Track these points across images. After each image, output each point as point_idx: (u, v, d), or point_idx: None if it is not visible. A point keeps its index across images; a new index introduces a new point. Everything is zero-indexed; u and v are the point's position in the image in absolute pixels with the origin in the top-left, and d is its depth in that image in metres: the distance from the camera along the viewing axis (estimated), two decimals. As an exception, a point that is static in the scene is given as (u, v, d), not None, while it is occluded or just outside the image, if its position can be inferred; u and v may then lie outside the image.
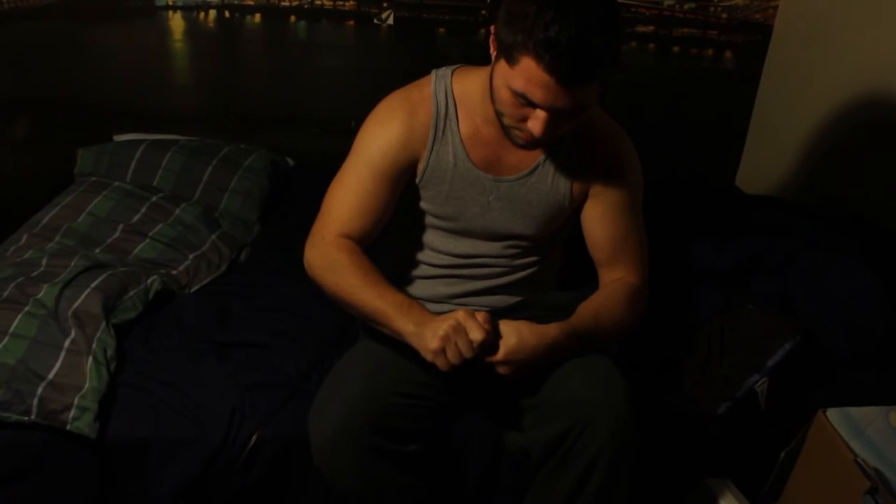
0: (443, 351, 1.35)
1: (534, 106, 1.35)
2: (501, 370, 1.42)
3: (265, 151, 2.52)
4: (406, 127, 1.53)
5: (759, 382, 1.74)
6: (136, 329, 1.83)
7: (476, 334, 1.35)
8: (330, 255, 1.50)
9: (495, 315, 1.57)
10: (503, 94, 1.37)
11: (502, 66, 1.34)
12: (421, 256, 1.67)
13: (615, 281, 1.62)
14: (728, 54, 2.74)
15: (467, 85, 1.55)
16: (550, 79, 1.29)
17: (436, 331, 1.36)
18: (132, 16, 2.52)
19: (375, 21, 2.61)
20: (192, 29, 2.57)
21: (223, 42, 2.61)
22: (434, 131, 1.54)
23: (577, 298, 1.60)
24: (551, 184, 1.59)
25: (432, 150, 1.55)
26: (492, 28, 1.38)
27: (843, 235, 2.04)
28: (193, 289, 2.04)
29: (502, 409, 1.59)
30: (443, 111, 1.54)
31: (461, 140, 1.55)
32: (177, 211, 2.20)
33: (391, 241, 1.69)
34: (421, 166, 1.56)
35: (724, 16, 2.68)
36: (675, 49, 2.71)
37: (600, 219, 1.62)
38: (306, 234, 2.27)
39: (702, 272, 1.96)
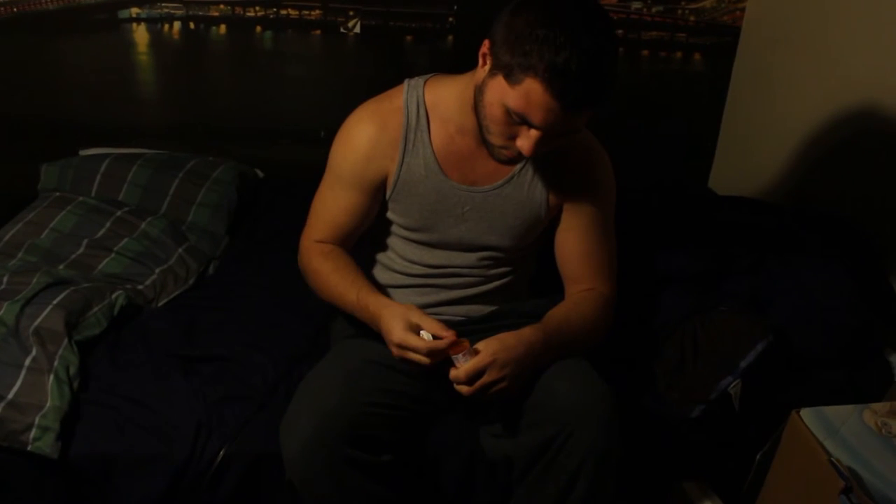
0: (402, 348, 1.41)
1: (528, 126, 1.34)
2: (495, 381, 1.42)
3: (233, 163, 2.48)
4: (374, 140, 1.53)
5: (733, 384, 1.73)
6: (101, 345, 1.80)
7: (419, 355, 1.40)
8: (309, 262, 1.61)
9: (470, 324, 1.61)
10: (495, 111, 1.36)
11: (499, 83, 1.33)
12: (393, 266, 1.66)
13: (584, 290, 1.61)
14: (697, 56, 2.74)
15: (441, 94, 1.53)
16: (556, 104, 1.28)
17: (390, 342, 1.43)
18: (96, 29, 2.48)
19: (342, 30, 2.58)
20: (157, 41, 2.53)
21: (189, 54, 2.57)
22: (404, 143, 1.53)
23: (549, 306, 1.59)
24: (527, 193, 1.58)
25: (402, 162, 1.53)
26: (485, 42, 1.36)
27: (813, 233, 2.03)
28: (161, 303, 2.01)
29: (482, 417, 1.57)
30: (413, 121, 1.53)
31: (433, 151, 1.53)
32: (142, 225, 2.16)
33: (364, 249, 1.70)
34: (391, 179, 1.55)
35: (692, 18, 2.67)
36: (645, 53, 2.71)
37: (572, 232, 1.61)
38: (276, 247, 2.30)
39: (673, 275, 1.95)
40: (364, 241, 1.67)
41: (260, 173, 2.63)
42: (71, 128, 2.59)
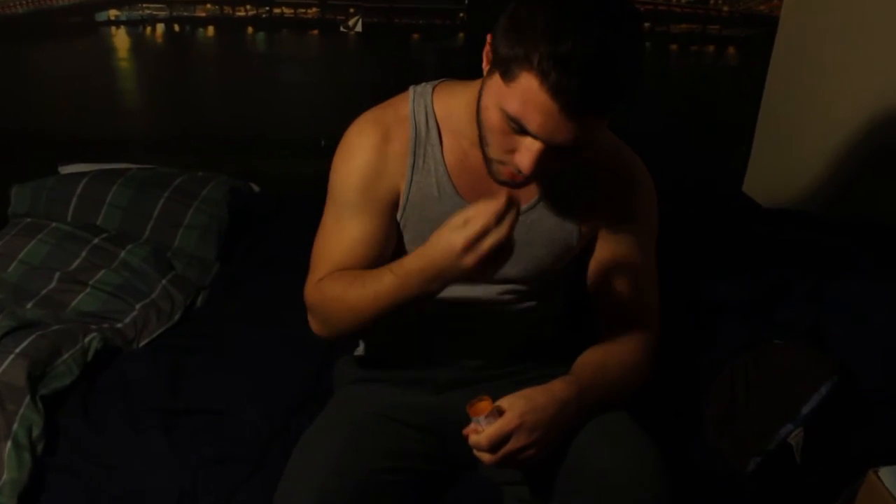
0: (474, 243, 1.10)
1: (527, 135, 1.12)
2: (523, 448, 1.21)
3: (225, 178, 2.28)
4: (379, 153, 1.31)
5: (794, 433, 1.51)
6: (72, 398, 1.60)
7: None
8: (319, 296, 1.31)
9: (490, 368, 1.45)
10: (492, 117, 1.14)
11: (496, 82, 1.12)
12: None
13: (622, 332, 1.41)
14: (731, 50, 2.57)
15: (452, 103, 1.32)
16: (553, 104, 1.06)
17: (457, 257, 1.11)
18: (71, 34, 2.29)
19: (342, 29, 2.39)
20: (139, 45, 2.34)
21: (174, 59, 2.39)
22: (413, 158, 1.31)
23: (580, 346, 1.41)
24: (557, 219, 1.37)
25: (412, 180, 1.32)
26: (488, 38, 1.15)
27: (879, 254, 1.80)
28: (142, 343, 1.82)
29: (506, 476, 1.37)
30: (423, 134, 1.32)
31: (446, 168, 1.32)
32: (122, 254, 1.95)
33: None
34: (401, 201, 1.33)
35: (726, 9, 2.51)
36: (674, 47, 2.53)
37: (608, 263, 1.41)
38: (272, 271, 2.09)
39: (719, 303, 1.73)
40: None
41: (255, 188, 2.45)
42: (48, 143, 2.41)
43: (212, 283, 2.04)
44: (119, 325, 1.81)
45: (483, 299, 1.41)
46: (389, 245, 1.34)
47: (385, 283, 1.21)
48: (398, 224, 1.35)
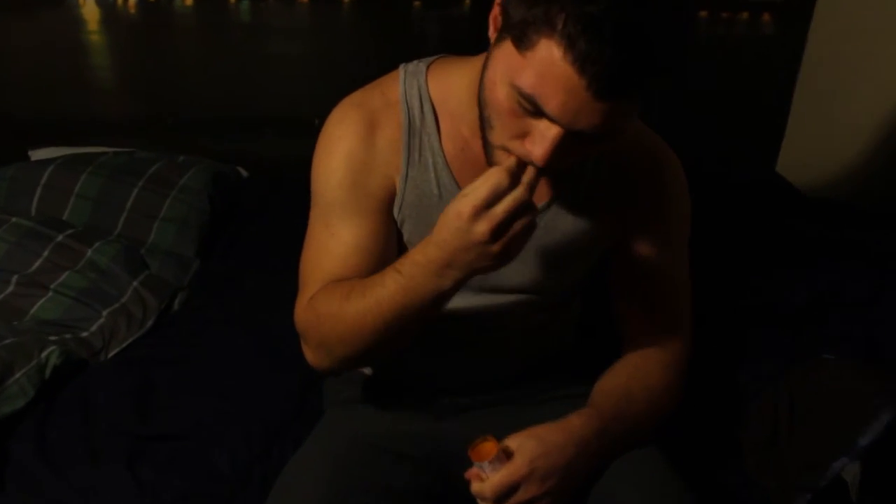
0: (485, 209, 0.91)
1: (542, 116, 0.91)
2: (534, 499, 1.05)
3: (208, 164, 2.10)
4: (365, 143, 1.11)
5: (849, 468, 1.31)
6: (27, 422, 1.44)
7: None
8: (312, 314, 1.09)
9: (498, 388, 1.29)
10: (499, 94, 0.93)
11: (506, 51, 0.91)
12: None
13: (649, 349, 1.22)
14: (766, 17, 2.39)
15: (450, 83, 1.12)
16: (579, 79, 0.85)
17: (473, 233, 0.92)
18: (35, 6, 2.11)
19: None
20: (110, 17, 2.16)
21: (149, 31, 2.21)
22: (407, 150, 1.12)
23: (600, 362, 1.24)
24: (575, 221, 1.18)
25: (407, 176, 1.13)
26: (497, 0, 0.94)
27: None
28: (111, 353, 1.64)
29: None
30: (417, 121, 1.12)
31: (445, 161, 1.13)
32: (89, 252, 1.76)
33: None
34: (397, 198, 1.15)
35: None
36: (703, 14, 2.32)
37: (633, 270, 1.22)
38: (259, 266, 1.89)
39: (759, 309, 1.53)
40: None
41: (243, 172, 2.28)
42: (16, 126, 2.24)
43: (190, 282, 1.86)
44: (84, 335, 1.64)
45: (491, 310, 1.23)
46: (390, 248, 1.14)
47: (388, 287, 1.00)
48: (396, 223, 1.16)
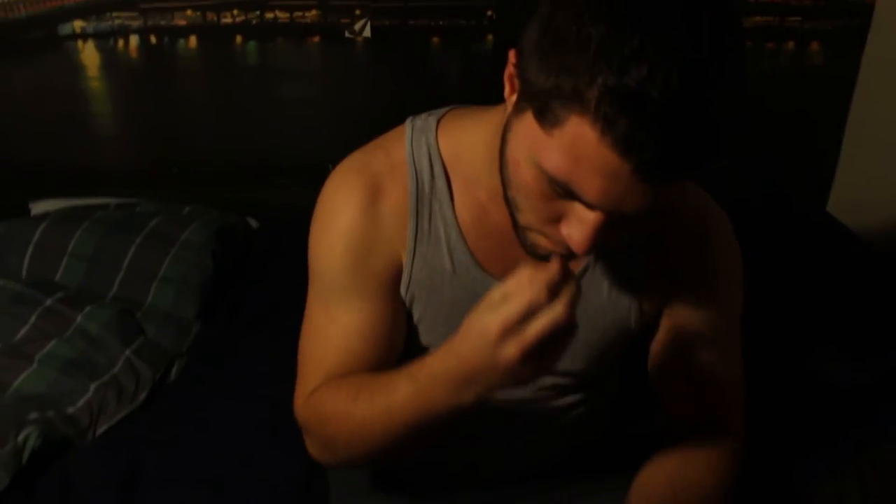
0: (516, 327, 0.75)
1: (579, 201, 0.76)
2: None
3: (213, 216, 1.97)
4: (367, 215, 0.96)
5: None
6: (-1, 516, 1.29)
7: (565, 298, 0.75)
8: (315, 411, 0.98)
9: (522, 482, 1.15)
10: (524, 176, 0.78)
11: (528, 125, 0.75)
12: None
13: (697, 440, 1.05)
14: (815, 46, 2.22)
15: (463, 141, 0.97)
16: (621, 163, 0.69)
17: (486, 333, 0.76)
18: (33, 51, 2.01)
19: (347, 34, 2.06)
20: (111, 62, 2.04)
21: (152, 75, 2.09)
22: (415, 221, 0.97)
23: (643, 449, 1.07)
24: (609, 295, 1.02)
25: (415, 251, 0.98)
26: (511, 56, 0.79)
27: None
28: (99, 430, 1.49)
29: None
30: (426, 186, 0.97)
31: (460, 232, 0.97)
32: (78, 318, 1.63)
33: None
34: (404, 276, 1.00)
35: None
36: (747, 44, 2.09)
37: (677, 349, 1.04)
38: (264, 330, 1.74)
39: (823, 385, 1.34)
40: None
41: (253, 223, 2.14)
42: (16, 176, 2.12)
43: (190, 348, 1.71)
44: (70, 411, 1.49)
45: (512, 400, 1.06)
46: (397, 331, 1.00)
47: (401, 393, 0.86)
48: (405, 304, 1.01)
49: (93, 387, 1.53)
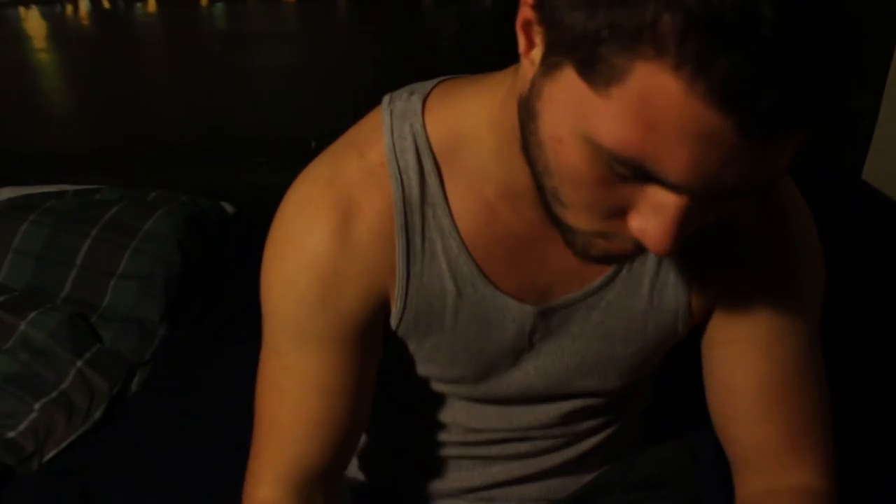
0: None
1: (652, 182, 0.55)
2: None
3: (181, 202, 1.76)
4: (338, 241, 0.76)
5: None
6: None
7: None
8: None
9: None
10: (569, 157, 0.57)
11: (568, 87, 0.55)
12: (415, 430, 0.96)
13: (774, 487, 0.84)
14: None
15: (460, 122, 0.75)
16: (725, 120, 0.49)
17: None
18: None
19: None
20: (59, 31, 1.80)
21: (108, 45, 1.85)
22: (404, 238, 0.76)
23: (679, 458, 1.01)
24: (651, 296, 0.82)
25: (408, 275, 0.77)
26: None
27: None
28: (46, 457, 1.29)
29: None
30: (415, 190, 0.75)
31: (461, 241, 0.77)
32: (21, 326, 1.41)
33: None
34: (395, 307, 0.80)
35: None
36: None
37: (743, 362, 0.83)
38: (239, 332, 1.54)
39: None
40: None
41: (229, 208, 1.92)
42: None
43: (154, 355, 1.49)
44: (10, 435, 1.29)
45: (533, 426, 0.91)
46: (370, 381, 0.82)
47: None
48: (392, 337, 0.82)
49: (38, 406, 1.32)
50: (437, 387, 0.89)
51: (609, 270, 0.79)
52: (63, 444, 1.30)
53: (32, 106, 1.88)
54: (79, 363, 1.38)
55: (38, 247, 1.56)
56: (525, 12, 0.56)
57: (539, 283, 0.79)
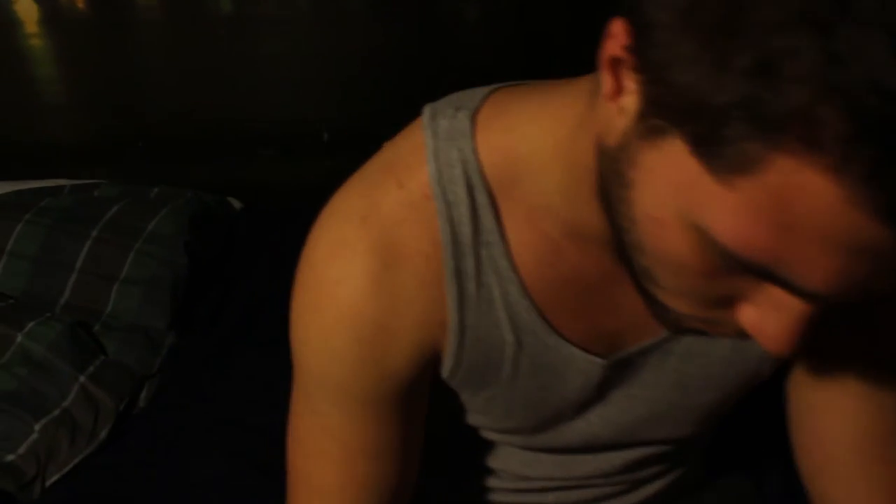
0: None
1: (779, 284, 0.45)
2: None
3: (187, 199, 1.66)
4: (382, 289, 0.65)
5: None
6: None
7: None
8: None
9: None
10: (672, 243, 0.47)
11: (675, 162, 0.44)
12: (462, 475, 0.86)
13: None
14: None
15: (519, 146, 0.64)
16: (884, 232, 0.39)
17: None
18: None
19: None
20: (54, 16, 1.72)
21: (106, 30, 1.77)
22: (456, 282, 0.65)
23: (743, 492, 0.95)
24: (735, 342, 0.71)
25: (461, 326, 0.66)
26: (616, 26, 0.46)
27: None
28: (49, 481, 1.19)
29: None
30: (466, 227, 0.64)
31: (521, 284, 0.66)
32: (19, 338, 1.31)
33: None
34: (446, 361, 0.69)
35: None
36: None
37: (839, 412, 0.72)
38: (256, 340, 1.44)
39: None
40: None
41: (236, 204, 1.82)
42: None
43: (162, 367, 1.39)
44: (10, 458, 1.19)
45: (594, 475, 0.82)
46: (416, 439, 0.73)
47: None
48: (441, 387, 0.72)
49: (38, 426, 1.22)
50: (489, 435, 0.80)
51: None
52: (67, 468, 1.21)
53: (25, 95, 1.79)
54: (81, 378, 1.28)
55: (34, 249, 1.45)
56: (613, 48, 0.45)
57: (608, 330, 0.69)
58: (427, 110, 0.66)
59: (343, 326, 0.63)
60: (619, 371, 0.72)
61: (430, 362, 0.68)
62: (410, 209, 0.62)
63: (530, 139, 0.61)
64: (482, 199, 0.62)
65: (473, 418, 0.76)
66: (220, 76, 1.80)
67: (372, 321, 0.63)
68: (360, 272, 0.62)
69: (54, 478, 1.19)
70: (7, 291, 1.42)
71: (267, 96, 1.86)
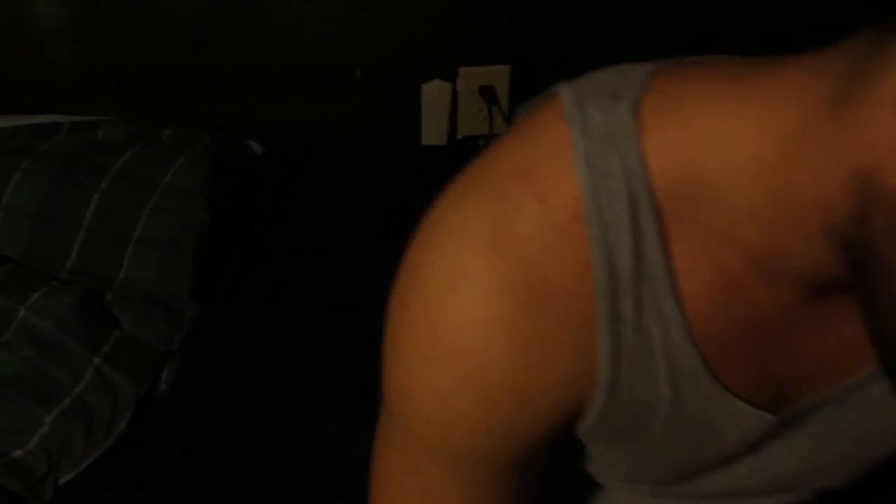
0: None
1: None
2: None
3: (207, 142, 1.47)
4: (518, 343, 0.48)
5: None
6: None
7: None
8: None
9: None
10: None
11: None
12: None
13: None
14: None
15: (699, 157, 0.46)
16: None
17: None
18: None
19: None
20: None
21: None
22: (611, 329, 0.48)
23: None
24: None
25: (614, 383, 0.50)
26: None
27: None
28: (62, 481, 1.03)
29: None
30: (627, 258, 0.47)
31: (687, 330, 0.49)
32: (22, 311, 1.13)
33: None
34: (588, 421, 0.53)
35: None
36: None
37: None
38: (290, 310, 1.27)
39: None
40: None
41: (256, 148, 1.61)
42: None
43: (183, 344, 1.22)
44: (18, 454, 1.02)
45: None
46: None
47: None
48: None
49: (49, 418, 1.05)
50: (607, 481, 0.66)
51: (872, 367, 0.55)
52: (83, 465, 1.05)
53: (18, 21, 1.54)
54: (96, 360, 1.11)
55: (34, 204, 1.25)
56: None
57: (779, 379, 0.55)
58: (567, 94, 0.48)
59: (467, 387, 0.48)
60: (790, 429, 0.58)
61: (569, 423, 0.53)
62: (555, 233, 0.46)
63: (718, 145, 0.45)
64: (647, 221, 0.46)
65: (595, 467, 0.62)
66: (239, 5, 1.57)
67: (504, 381, 0.48)
68: (490, 317, 0.47)
69: (67, 477, 1.04)
70: (5, 253, 1.24)
71: (294, 27, 1.62)
